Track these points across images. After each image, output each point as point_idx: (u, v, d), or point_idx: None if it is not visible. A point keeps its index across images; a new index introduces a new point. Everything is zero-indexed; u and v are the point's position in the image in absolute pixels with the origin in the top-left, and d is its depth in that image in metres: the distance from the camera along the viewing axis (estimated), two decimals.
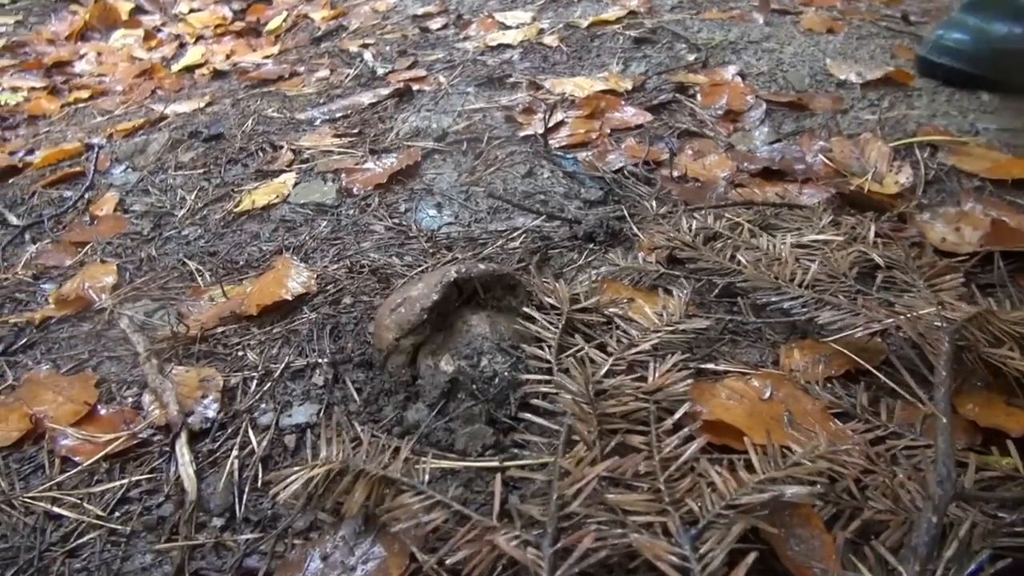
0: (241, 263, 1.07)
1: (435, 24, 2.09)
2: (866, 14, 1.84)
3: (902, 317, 0.67)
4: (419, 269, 0.98)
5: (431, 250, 1.02)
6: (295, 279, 0.98)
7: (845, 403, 0.64)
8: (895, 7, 1.91)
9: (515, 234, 1.03)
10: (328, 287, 0.96)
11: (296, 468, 0.63)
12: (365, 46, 2.00)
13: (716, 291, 0.85)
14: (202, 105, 1.80)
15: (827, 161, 1.15)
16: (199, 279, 1.05)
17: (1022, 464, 0.56)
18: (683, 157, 1.21)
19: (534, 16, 1.99)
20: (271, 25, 2.47)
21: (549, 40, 1.78)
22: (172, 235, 1.19)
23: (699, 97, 1.42)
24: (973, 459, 0.54)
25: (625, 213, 1.04)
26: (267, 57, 2.17)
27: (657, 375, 0.65)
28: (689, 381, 0.64)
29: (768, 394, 0.66)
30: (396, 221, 1.11)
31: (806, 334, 0.77)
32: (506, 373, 0.70)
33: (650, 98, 1.43)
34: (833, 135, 1.23)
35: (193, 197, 1.29)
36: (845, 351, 0.70)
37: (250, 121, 1.59)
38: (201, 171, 1.39)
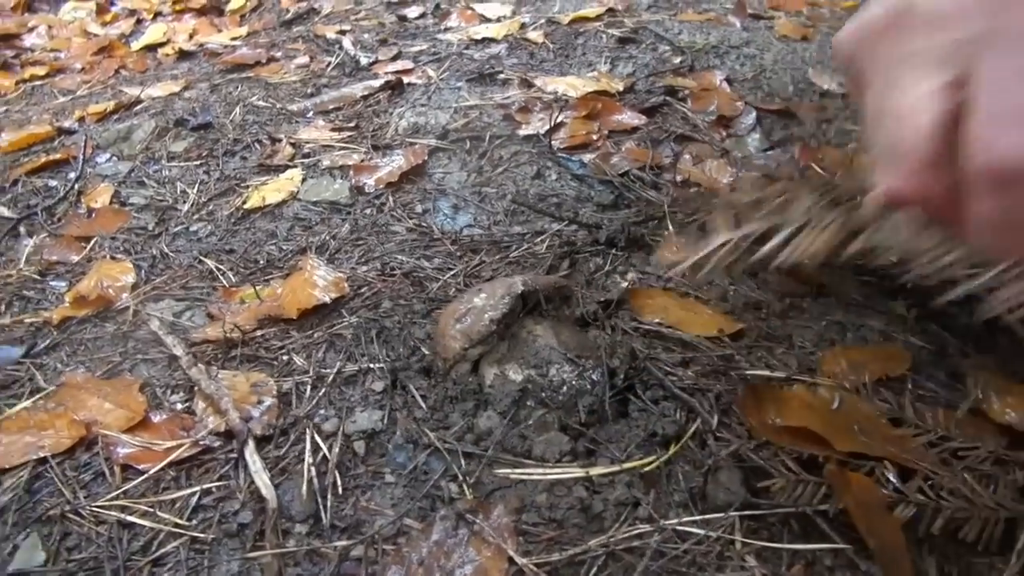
0: (262, 262, 1.07)
1: (412, 12, 2.08)
2: (831, 20, 1.93)
3: None
4: (451, 272, 1.00)
5: (458, 253, 1.04)
6: (325, 280, 0.99)
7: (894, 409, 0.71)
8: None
9: (538, 238, 1.06)
10: (362, 290, 0.98)
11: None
12: (342, 32, 1.98)
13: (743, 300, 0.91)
14: (178, 89, 1.75)
15: (820, 171, 1.22)
16: (221, 278, 1.04)
17: None
18: (683, 162, 1.27)
19: (513, 9, 2.00)
20: (233, 4, 2.41)
21: (533, 36, 1.80)
22: (180, 231, 1.17)
23: (689, 101, 1.47)
24: None
25: (643, 218, 1.08)
26: (235, 39, 2.12)
27: None
28: None
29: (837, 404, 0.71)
30: (415, 222, 1.13)
31: (834, 341, 0.83)
32: (573, 381, 0.74)
33: (641, 100, 1.48)
34: (822, 145, 1.31)
35: (195, 191, 1.27)
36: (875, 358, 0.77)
37: (238, 110, 1.56)
38: (197, 163, 1.37)
